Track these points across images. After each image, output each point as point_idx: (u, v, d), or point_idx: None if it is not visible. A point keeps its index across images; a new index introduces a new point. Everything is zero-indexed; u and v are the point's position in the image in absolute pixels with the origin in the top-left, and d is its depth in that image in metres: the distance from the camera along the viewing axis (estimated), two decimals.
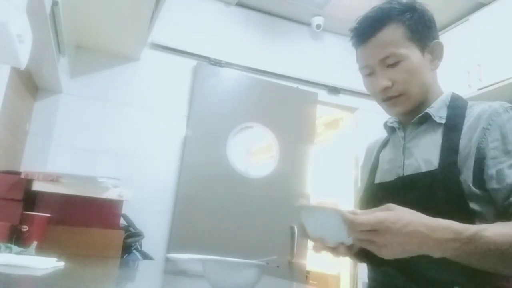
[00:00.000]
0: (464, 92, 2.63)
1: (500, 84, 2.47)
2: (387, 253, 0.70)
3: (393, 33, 0.92)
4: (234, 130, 2.82)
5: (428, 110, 0.94)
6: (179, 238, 2.52)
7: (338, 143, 3.98)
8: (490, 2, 2.68)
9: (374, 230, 0.68)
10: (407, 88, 0.93)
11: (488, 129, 0.84)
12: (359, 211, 0.72)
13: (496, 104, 0.87)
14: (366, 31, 0.95)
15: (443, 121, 0.92)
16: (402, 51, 0.92)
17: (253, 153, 3.01)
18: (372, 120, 2.78)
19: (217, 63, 2.92)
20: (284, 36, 3.20)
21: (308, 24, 3.25)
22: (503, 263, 0.72)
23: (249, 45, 3.08)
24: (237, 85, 2.90)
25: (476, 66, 2.61)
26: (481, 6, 2.74)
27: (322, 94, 3.16)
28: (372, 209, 0.73)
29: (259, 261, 0.79)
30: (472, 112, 0.89)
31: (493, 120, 0.84)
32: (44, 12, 1.44)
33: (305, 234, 0.79)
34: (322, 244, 0.77)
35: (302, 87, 3.11)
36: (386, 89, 0.94)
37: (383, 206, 0.72)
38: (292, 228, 2.72)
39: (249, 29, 3.11)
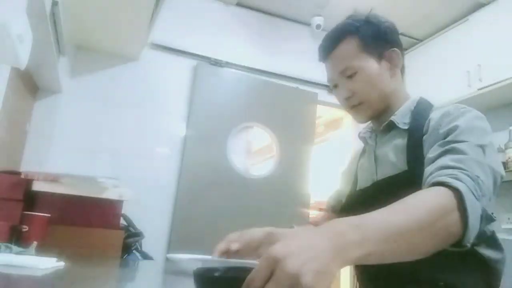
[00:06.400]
0: (464, 92, 2.63)
1: (500, 84, 2.47)
2: (299, 269, 0.43)
3: (348, 47, 1.01)
4: (234, 130, 2.81)
5: (392, 118, 0.99)
6: (179, 238, 2.52)
7: (338, 143, 3.97)
8: (490, 2, 2.68)
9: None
10: (366, 97, 0.99)
11: (438, 129, 0.86)
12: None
13: (451, 106, 0.90)
14: (326, 48, 1.06)
15: (407, 127, 0.95)
16: (357, 63, 0.99)
17: (253, 153, 3.00)
18: None
19: (217, 63, 2.92)
20: (284, 36, 3.20)
21: (308, 24, 3.25)
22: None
23: (249, 45, 3.07)
24: (237, 85, 2.90)
25: (476, 66, 2.61)
26: (481, 6, 2.74)
27: (322, 94, 3.16)
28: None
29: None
30: (434, 115, 0.91)
31: (443, 120, 0.86)
32: (44, 12, 1.44)
33: None
34: None
35: (302, 87, 3.11)
36: (347, 99, 1.02)
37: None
38: (292, 228, 2.71)
39: (249, 29, 3.11)
